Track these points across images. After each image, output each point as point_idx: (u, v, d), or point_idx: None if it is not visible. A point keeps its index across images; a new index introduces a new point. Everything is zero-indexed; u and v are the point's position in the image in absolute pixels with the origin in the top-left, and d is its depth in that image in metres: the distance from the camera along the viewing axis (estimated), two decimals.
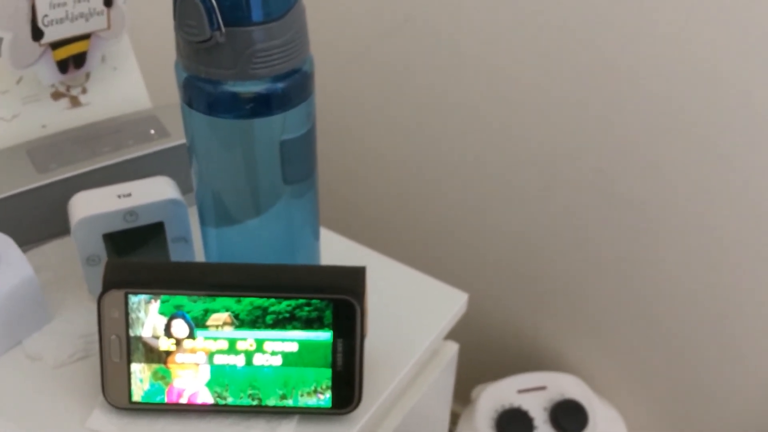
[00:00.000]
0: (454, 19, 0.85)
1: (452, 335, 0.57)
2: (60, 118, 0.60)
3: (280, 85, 0.40)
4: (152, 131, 0.58)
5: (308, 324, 0.42)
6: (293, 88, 0.41)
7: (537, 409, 0.88)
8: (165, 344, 0.43)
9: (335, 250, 0.58)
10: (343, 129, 1.02)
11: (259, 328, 0.42)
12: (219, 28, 0.37)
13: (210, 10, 0.37)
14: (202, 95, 0.41)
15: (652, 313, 0.90)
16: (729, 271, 0.82)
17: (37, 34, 0.53)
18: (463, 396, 0.91)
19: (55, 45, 0.55)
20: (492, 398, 0.89)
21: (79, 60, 0.57)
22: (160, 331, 0.42)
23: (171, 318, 0.42)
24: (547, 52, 0.80)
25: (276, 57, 0.39)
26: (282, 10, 0.38)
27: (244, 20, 0.38)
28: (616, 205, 0.85)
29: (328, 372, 0.43)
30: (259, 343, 0.42)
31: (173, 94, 0.62)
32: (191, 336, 0.42)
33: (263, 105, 0.41)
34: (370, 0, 0.90)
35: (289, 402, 0.43)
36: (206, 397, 0.43)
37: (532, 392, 0.89)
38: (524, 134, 0.88)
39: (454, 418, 0.84)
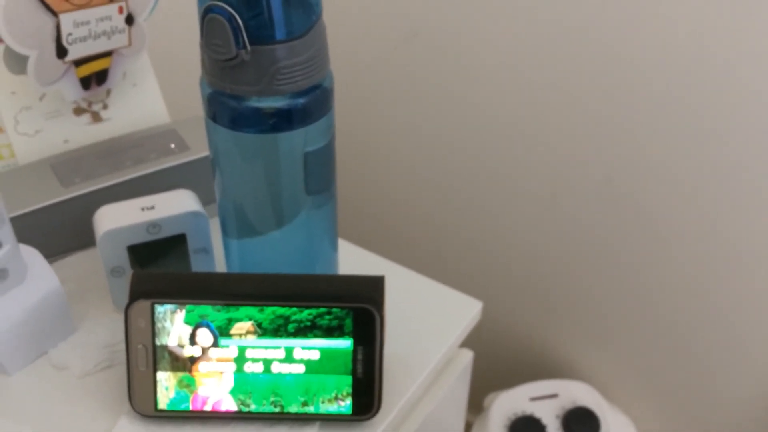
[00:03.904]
0: (463, 31, 0.86)
1: (465, 343, 0.58)
2: (82, 133, 0.61)
3: (301, 100, 0.42)
4: (172, 145, 0.59)
5: (329, 332, 0.43)
6: (314, 103, 0.42)
7: (549, 416, 0.88)
8: (190, 353, 0.44)
9: (351, 259, 0.58)
10: (355, 139, 1.02)
11: (281, 336, 0.43)
12: (245, 47, 0.38)
13: (236, 30, 0.38)
14: (227, 110, 0.42)
15: (663, 320, 0.91)
16: (741, 280, 0.83)
17: (61, 52, 0.54)
18: (475, 404, 0.92)
19: (78, 62, 0.56)
20: (504, 406, 0.90)
21: (101, 77, 0.58)
22: (186, 340, 0.43)
23: (196, 327, 0.43)
24: (556, 62, 0.81)
25: (298, 73, 0.40)
26: (304, 29, 0.40)
27: (268, 39, 0.39)
28: (626, 215, 0.86)
29: (349, 379, 0.44)
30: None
31: (191, 109, 0.64)
32: (215, 344, 0.43)
33: (286, 120, 0.42)
34: (380, 15, 0.91)
35: (311, 409, 0.44)
36: (230, 405, 0.44)
37: (544, 400, 0.90)
38: (535, 145, 0.88)
39: (467, 427, 0.85)
